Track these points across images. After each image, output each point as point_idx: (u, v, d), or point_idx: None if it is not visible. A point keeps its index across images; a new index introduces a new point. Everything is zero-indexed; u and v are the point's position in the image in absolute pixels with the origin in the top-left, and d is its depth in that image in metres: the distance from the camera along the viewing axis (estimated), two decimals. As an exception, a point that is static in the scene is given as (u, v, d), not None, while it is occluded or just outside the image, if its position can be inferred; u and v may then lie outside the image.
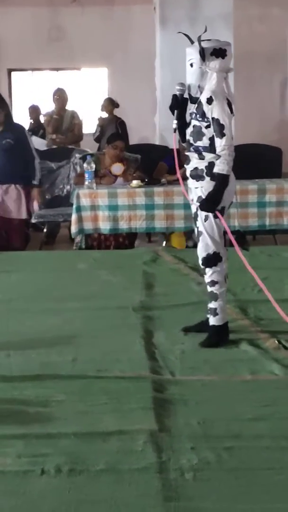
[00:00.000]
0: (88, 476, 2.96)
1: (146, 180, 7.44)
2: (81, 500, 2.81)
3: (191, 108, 4.48)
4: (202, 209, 4.41)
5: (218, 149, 4.33)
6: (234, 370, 4.11)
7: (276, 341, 4.47)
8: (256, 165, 8.02)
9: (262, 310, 5.13)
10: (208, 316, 4.57)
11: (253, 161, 8.04)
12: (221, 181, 4.36)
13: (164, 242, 7.80)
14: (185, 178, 4.60)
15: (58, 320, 5.05)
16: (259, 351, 4.34)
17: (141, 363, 4.18)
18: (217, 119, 4.31)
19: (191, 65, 4.39)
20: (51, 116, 9.61)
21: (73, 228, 7.24)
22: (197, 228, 4.51)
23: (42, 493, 2.87)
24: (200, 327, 4.65)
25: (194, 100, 4.42)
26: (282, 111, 13.23)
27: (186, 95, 4.47)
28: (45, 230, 8.53)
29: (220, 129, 4.31)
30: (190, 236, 7.32)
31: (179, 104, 4.51)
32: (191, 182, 4.50)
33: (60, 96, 9.61)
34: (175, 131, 4.54)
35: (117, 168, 7.57)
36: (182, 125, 4.53)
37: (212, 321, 4.55)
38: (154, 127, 10.13)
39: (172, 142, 4.66)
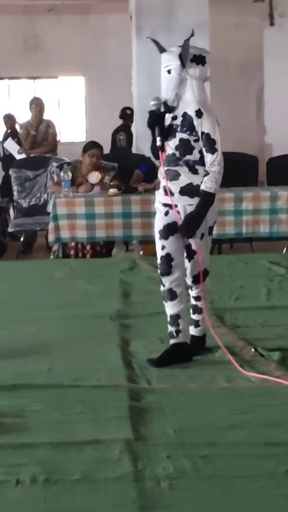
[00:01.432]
0: (64, 485, 2.94)
1: (123, 188, 7.44)
2: (56, 510, 2.80)
3: (168, 118, 4.25)
4: (182, 233, 4.22)
5: (207, 165, 4.15)
6: (211, 378, 4.10)
7: (253, 349, 4.48)
8: (232, 174, 7.99)
9: (238, 317, 5.15)
10: (171, 331, 4.38)
11: (230, 170, 8.01)
12: (206, 201, 4.16)
13: (142, 251, 7.80)
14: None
15: (34, 329, 5.03)
16: (236, 358, 4.34)
17: (117, 371, 4.18)
18: (208, 133, 4.15)
19: (169, 71, 4.20)
20: (27, 128, 9.55)
21: (50, 237, 7.22)
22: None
23: (17, 503, 2.84)
24: (167, 358, 4.32)
25: (170, 109, 4.23)
26: (258, 120, 13.31)
27: (162, 109, 4.23)
28: (22, 239, 8.51)
29: (211, 145, 4.14)
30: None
31: (158, 119, 4.24)
32: (181, 199, 4.23)
33: (37, 105, 9.58)
34: (161, 150, 4.23)
35: (94, 177, 7.56)
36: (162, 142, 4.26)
37: (193, 331, 4.43)
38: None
39: (150, 154, 4.41)
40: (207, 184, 4.14)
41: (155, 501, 2.82)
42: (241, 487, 2.92)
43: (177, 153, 4.22)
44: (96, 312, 5.37)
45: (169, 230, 4.32)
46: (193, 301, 4.43)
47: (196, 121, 4.18)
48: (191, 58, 4.18)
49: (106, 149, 8.03)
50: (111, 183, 7.53)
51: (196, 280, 4.33)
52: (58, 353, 4.53)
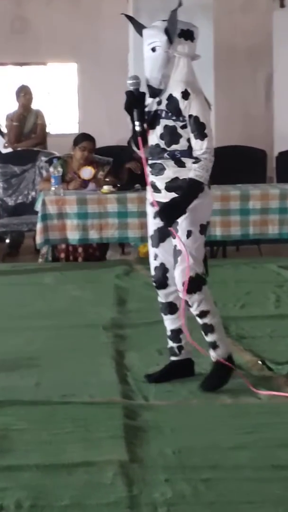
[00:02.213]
0: (52, 512, 2.95)
1: (119, 185, 7.45)
2: (43, 539, 2.80)
3: (153, 104, 4.12)
4: (161, 217, 4.05)
5: (197, 152, 4.00)
6: (214, 394, 4.10)
7: (260, 362, 4.48)
8: (238, 169, 8.06)
9: (244, 327, 5.15)
10: (177, 353, 4.31)
11: (236, 165, 8.08)
12: (193, 189, 4.01)
13: (138, 254, 7.81)
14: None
15: (20, 340, 5.04)
16: (241, 372, 4.34)
17: (111, 387, 4.18)
18: (196, 116, 3.99)
19: (153, 49, 4.01)
20: (12, 120, 9.55)
21: (39, 238, 7.23)
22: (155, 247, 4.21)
23: (0, 531, 2.85)
24: (167, 375, 4.29)
25: (157, 93, 4.07)
26: (267, 110, 13.29)
27: (142, 89, 4.10)
28: (7, 240, 8.51)
29: (200, 129, 4.00)
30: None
31: (136, 101, 4.10)
32: (168, 196, 4.07)
33: (25, 94, 9.58)
34: (140, 135, 4.08)
35: (87, 172, 7.57)
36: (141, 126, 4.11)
37: (213, 355, 4.16)
38: (127, 127, 10.14)
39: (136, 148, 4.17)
40: (197, 172, 3.99)
41: (151, 530, 2.83)
42: (246, 514, 2.92)
43: (162, 143, 4.07)
44: (88, 321, 5.38)
45: (160, 235, 4.20)
46: (198, 320, 4.16)
47: (182, 104, 4.01)
48: (178, 33, 4.02)
49: (100, 142, 8.01)
50: (106, 179, 7.53)
51: (187, 289, 4.05)
52: (46, 367, 4.54)
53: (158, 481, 3.14)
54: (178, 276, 4.08)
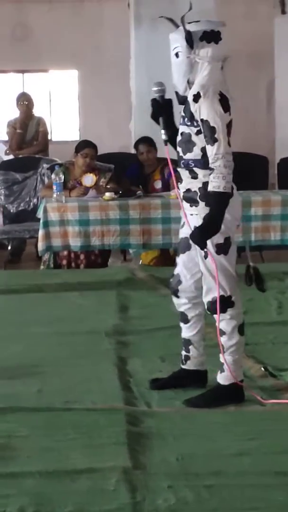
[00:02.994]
0: (55, 519, 2.95)
1: (120, 192, 7.45)
2: None
3: (181, 111, 3.97)
4: (193, 241, 3.88)
5: (210, 160, 3.79)
6: (216, 401, 4.11)
7: (263, 368, 4.48)
8: (240, 176, 8.03)
9: (247, 334, 5.10)
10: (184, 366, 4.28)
11: (237, 171, 8.06)
12: (218, 202, 3.78)
13: (140, 261, 7.81)
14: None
15: (22, 346, 5.04)
16: (244, 379, 4.34)
17: (114, 393, 4.18)
18: (206, 120, 3.80)
19: (177, 55, 3.89)
20: (14, 127, 9.57)
21: (41, 245, 7.22)
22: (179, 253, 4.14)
23: (3, 538, 2.85)
24: (173, 382, 4.26)
25: (183, 100, 3.94)
26: (269, 116, 13.32)
27: (167, 96, 4.03)
28: (9, 247, 8.52)
29: (211, 133, 3.78)
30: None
31: (162, 109, 4.01)
32: (186, 207, 3.99)
33: (26, 101, 9.60)
34: (166, 143, 4.01)
35: (88, 179, 7.58)
36: (174, 134, 4.00)
37: (218, 377, 4.08)
38: (129, 134, 10.16)
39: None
40: (213, 184, 3.77)
41: (155, 536, 2.83)
42: (249, 520, 2.92)
43: (180, 151, 3.96)
44: (90, 328, 5.38)
45: (182, 245, 4.13)
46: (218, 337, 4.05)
47: (193, 107, 3.85)
48: (200, 35, 3.85)
49: (101, 149, 8.03)
50: (107, 186, 7.54)
51: (209, 308, 3.99)
52: (49, 373, 4.54)
53: (161, 487, 3.14)
54: (203, 296, 4.02)
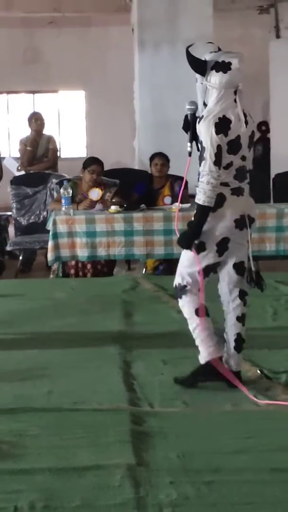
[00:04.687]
0: (63, 513, 2.94)
1: (125, 205, 7.46)
2: (55, 538, 2.80)
3: None
4: (178, 244, 4.24)
5: (200, 175, 4.08)
6: (215, 401, 4.10)
7: (258, 371, 4.48)
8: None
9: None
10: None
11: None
12: (198, 213, 4.09)
13: (144, 270, 7.81)
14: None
15: (33, 351, 5.03)
16: (240, 383, 4.33)
17: (119, 394, 4.18)
18: (201, 140, 4.08)
19: (196, 80, 4.18)
20: (25, 144, 9.59)
21: (50, 256, 7.23)
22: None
23: (15, 531, 2.85)
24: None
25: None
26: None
27: (198, 115, 4.24)
28: (20, 257, 8.52)
29: (202, 152, 4.08)
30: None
31: (189, 124, 4.24)
32: None
33: (36, 120, 9.62)
34: (190, 155, 4.23)
35: (95, 193, 7.58)
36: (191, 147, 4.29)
37: (199, 357, 4.29)
38: (133, 151, 10.18)
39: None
40: (197, 196, 4.07)
41: (157, 529, 2.82)
42: (247, 514, 2.91)
43: (199, 163, 4.16)
44: (97, 333, 5.37)
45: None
46: None
47: (197, 127, 4.14)
48: (212, 65, 4.10)
49: (106, 165, 8.04)
50: (113, 200, 7.55)
51: (174, 290, 4.34)
52: (58, 376, 4.53)
53: (164, 483, 3.14)
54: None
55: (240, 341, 4.33)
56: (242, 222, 4.21)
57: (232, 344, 4.31)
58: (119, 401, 4.07)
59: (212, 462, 3.34)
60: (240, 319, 4.34)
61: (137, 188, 7.98)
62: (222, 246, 4.18)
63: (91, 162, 7.69)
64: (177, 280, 4.27)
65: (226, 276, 4.32)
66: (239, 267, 4.31)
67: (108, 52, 14.34)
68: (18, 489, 3.10)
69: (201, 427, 3.78)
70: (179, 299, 4.30)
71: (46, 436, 3.63)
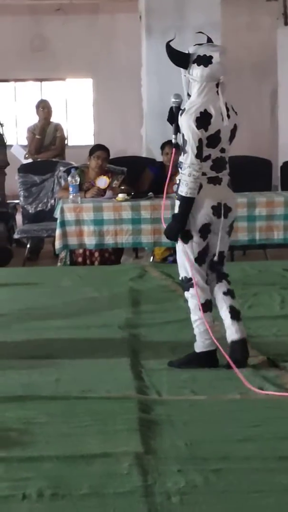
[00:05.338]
0: (71, 500, 2.95)
1: (133, 193, 7.45)
2: (63, 525, 2.81)
3: None
4: (165, 236, 4.38)
5: (181, 168, 4.22)
6: (223, 389, 4.10)
7: (267, 359, 4.48)
8: (245, 178, 8.05)
9: (251, 327, 5.12)
10: None
11: (243, 174, 8.05)
12: (181, 204, 4.23)
13: (152, 258, 7.81)
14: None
15: (41, 339, 5.03)
16: (249, 369, 4.34)
17: (126, 383, 4.18)
18: (182, 133, 4.19)
19: (181, 72, 4.26)
20: (33, 132, 9.58)
21: (57, 244, 7.23)
22: None
23: (23, 518, 2.85)
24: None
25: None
26: (272, 122, 13.30)
27: (183, 106, 4.31)
28: (28, 245, 8.52)
29: (184, 145, 4.19)
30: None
31: (174, 116, 4.33)
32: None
33: (44, 108, 9.60)
34: (174, 146, 4.37)
35: (102, 181, 7.58)
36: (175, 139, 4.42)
37: (194, 345, 4.45)
38: (141, 139, 10.16)
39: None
40: (181, 188, 4.20)
41: (165, 517, 2.83)
42: (255, 502, 2.91)
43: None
44: (104, 322, 5.38)
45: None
46: None
47: (179, 120, 4.23)
48: (194, 58, 4.17)
49: (114, 153, 8.03)
50: (120, 188, 7.54)
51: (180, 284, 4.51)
52: (65, 364, 4.54)
53: (171, 471, 3.14)
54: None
55: (234, 311, 4.42)
56: (218, 209, 4.31)
57: (228, 316, 4.41)
58: (127, 389, 4.07)
59: (220, 450, 3.34)
60: (227, 293, 4.44)
61: (152, 168, 7.99)
62: (204, 231, 4.30)
63: (97, 148, 7.69)
64: (182, 274, 4.38)
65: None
66: (220, 256, 4.43)
67: (116, 39, 14.30)
68: (27, 476, 3.11)
69: (209, 415, 3.77)
70: (185, 291, 4.42)
71: (54, 424, 3.63)
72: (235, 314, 4.41)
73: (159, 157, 8.31)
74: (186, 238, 4.30)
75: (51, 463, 3.22)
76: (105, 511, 2.87)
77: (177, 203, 4.28)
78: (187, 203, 4.21)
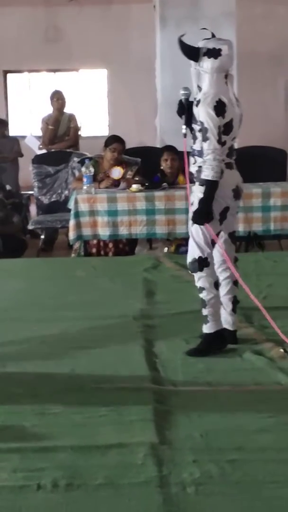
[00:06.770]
0: (86, 491, 2.96)
1: (147, 184, 7.43)
2: (79, 516, 2.81)
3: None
4: (193, 221, 4.46)
5: (204, 154, 4.36)
6: (238, 380, 4.10)
7: (282, 350, 4.47)
8: (260, 168, 8.02)
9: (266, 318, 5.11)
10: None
11: (258, 164, 8.03)
12: (208, 188, 4.37)
13: (166, 249, 7.79)
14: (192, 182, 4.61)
15: (55, 329, 5.04)
16: (264, 360, 4.33)
17: (141, 373, 4.18)
18: (201, 122, 4.35)
19: (191, 65, 4.44)
20: (47, 123, 9.57)
21: (71, 235, 7.23)
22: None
23: (38, 509, 2.86)
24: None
25: (197, 103, 4.46)
26: (287, 112, 13.26)
27: (192, 98, 4.51)
28: (42, 236, 8.53)
29: (204, 133, 4.34)
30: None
31: (185, 108, 4.53)
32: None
33: (58, 99, 9.60)
34: (184, 136, 4.54)
35: (116, 172, 7.56)
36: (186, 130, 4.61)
37: (204, 328, 4.55)
38: (155, 129, 10.14)
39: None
40: (204, 173, 4.34)
41: (180, 507, 2.83)
42: (270, 493, 2.91)
43: (191, 142, 4.49)
44: (119, 312, 5.37)
45: None
46: (199, 294, 4.62)
47: (195, 110, 4.40)
48: (204, 51, 4.36)
49: (128, 144, 8.01)
50: (134, 178, 7.52)
51: (190, 267, 4.54)
52: (80, 354, 4.54)
53: (187, 462, 3.14)
54: (188, 256, 4.56)
55: (236, 303, 4.71)
56: (238, 192, 4.55)
57: (230, 306, 4.67)
58: (141, 380, 4.07)
59: (235, 440, 3.34)
60: (236, 283, 4.66)
61: (156, 178, 7.93)
62: (223, 215, 4.49)
63: (113, 140, 7.66)
64: (197, 253, 4.47)
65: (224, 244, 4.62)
66: (233, 237, 4.68)
67: (130, 29, 14.26)
68: (41, 467, 3.12)
69: (224, 406, 3.77)
70: (198, 272, 4.49)
71: (69, 415, 3.64)
72: (235, 306, 4.71)
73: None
74: (210, 219, 4.44)
75: (66, 454, 3.24)
76: (120, 501, 2.88)
77: (198, 189, 4.42)
78: (213, 187, 4.37)
